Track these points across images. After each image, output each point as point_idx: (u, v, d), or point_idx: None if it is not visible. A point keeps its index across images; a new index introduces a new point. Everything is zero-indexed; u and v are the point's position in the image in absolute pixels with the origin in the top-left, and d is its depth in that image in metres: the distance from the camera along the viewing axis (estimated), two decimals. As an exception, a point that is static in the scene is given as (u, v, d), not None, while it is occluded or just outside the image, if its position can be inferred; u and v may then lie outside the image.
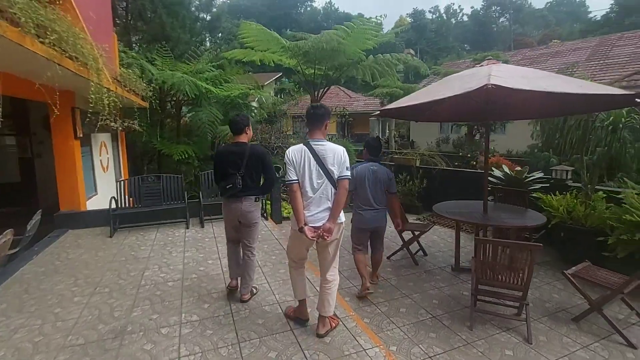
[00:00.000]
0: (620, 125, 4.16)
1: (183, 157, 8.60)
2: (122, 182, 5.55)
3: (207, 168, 7.85)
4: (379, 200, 3.54)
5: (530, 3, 56.35)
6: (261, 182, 3.04)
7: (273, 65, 8.69)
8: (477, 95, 3.49)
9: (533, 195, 4.61)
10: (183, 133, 10.20)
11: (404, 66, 8.96)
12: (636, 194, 3.64)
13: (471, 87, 2.69)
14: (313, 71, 7.67)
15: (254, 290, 3.18)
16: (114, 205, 5.14)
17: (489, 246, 2.72)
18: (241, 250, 3.14)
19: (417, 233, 4.36)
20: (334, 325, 2.62)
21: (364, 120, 23.51)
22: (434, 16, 58.78)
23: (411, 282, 3.82)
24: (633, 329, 2.88)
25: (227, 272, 3.43)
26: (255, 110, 16.09)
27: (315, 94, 8.51)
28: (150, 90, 6.85)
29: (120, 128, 5.00)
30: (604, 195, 4.22)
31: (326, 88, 8.48)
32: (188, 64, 9.64)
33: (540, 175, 5.27)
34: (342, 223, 2.47)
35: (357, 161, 4.42)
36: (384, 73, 8.38)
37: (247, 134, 2.96)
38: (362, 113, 22.15)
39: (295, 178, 2.39)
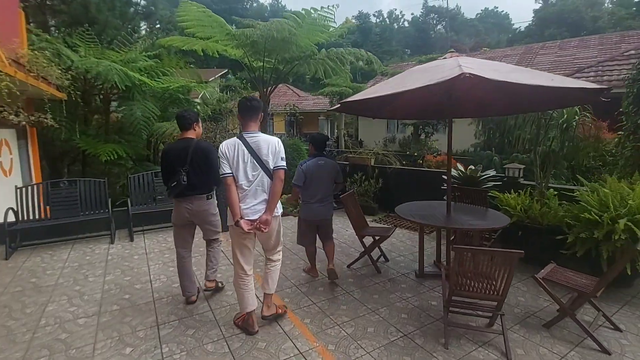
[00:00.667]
0: (574, 123, 4.25)
1: (112, 157, 7.50)
2: (25, 189, 4.49)
3: (143, 170, 6.97)
4: (327, 193, 3.59)
5: (463, 13, 60.94)
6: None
7: (217, 56, 7.90)
8: (442, 88, 3.26)
9: (489, 194, 4.57)
10: (114, 131, 8.99)
11: (350, 66, 8.76)
12: (590, 191, 3.68)
13: (444, 77, 2.38)
14: (262, 64, 7.05)
15: (220, 284, 3.24)
16: (11, 218, 4.11)
17: (469, 255, 2.44)
18: (205, 249, 3.20)
19: (377, 238, 4.04)
20: (280, 311, 2.78)
21: (313, 119, 23.24)
22: (378, 20, 60.80)
23: (376, 294, 3.47)
24: (602, 332, 2.81)
25: (161, 299, 2.78)
26: (199, 107, 14.94)
27: (265, 91, 7.91)
28: (68, 79, 5.77)
29: (26, 122, 4.01)
30: (555, 192, 4.27)
31: (274, 85, 7.92)
32: (118, 52, 8.45)
33: (494, 173, 5.29)
34: (279, 215, 2.53)
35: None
36: (336, 70, 8.05)
37: (195, 130, 2.92)
38: (311, 112, 21.84)
39: (229, 171, 2.39)
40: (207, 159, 2.85)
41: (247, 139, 2.42)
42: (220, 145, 2.44)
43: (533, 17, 39.17)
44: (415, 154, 13.17)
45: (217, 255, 3.20)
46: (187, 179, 2.74)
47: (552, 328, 2.86)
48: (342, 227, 5.61)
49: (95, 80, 6.97)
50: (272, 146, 2.42)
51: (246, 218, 2.37)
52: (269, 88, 7.86)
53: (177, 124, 2.96)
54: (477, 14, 60.94)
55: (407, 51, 56.31)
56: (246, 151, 2.39)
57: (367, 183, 6.29)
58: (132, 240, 4.67)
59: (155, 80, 8.38)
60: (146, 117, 7.53)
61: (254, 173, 2.39)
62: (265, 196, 2.42)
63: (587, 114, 4.35)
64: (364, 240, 4.12)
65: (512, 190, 4.50)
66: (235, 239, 2.51)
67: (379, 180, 6.26)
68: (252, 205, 2.40)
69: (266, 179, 2.42)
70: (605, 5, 37.42)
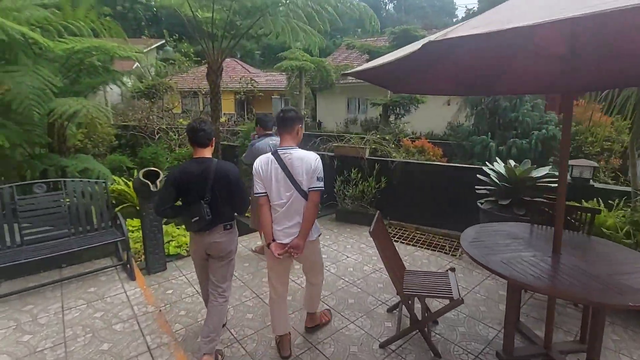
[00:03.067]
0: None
1: None
2: None
3: (45, 166, 5.33)
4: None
5: (412, -6, 60.92)
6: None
7: (150, 13, 5.65)
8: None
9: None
10: (1, 110, 6.43)
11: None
12: None
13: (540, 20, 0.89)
14: (211, 14, 5.05)
15: (220, 357, 2.31)
16: None
17: None
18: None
19: (426, 302, 2.52)
20: (323, 320, 2.66)
21: (265, 99, 21.03)
22: (328, -4, 58.34)
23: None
24: None
25: None
26: (127, 81, 12.05)
27: (216, 58, 5.85)
28: None
29: None
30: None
31: (227, 51, 5.93)
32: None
33: (552, 173, 3.69)
34: (315, 239, 2.33)
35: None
36: (306, 32, 6.24)
37: (212, 146, 2.34)
38: (266, 90, 19.55)
39: (263, 191, 2.22)
40: (232, 185, 2.30)
41: (281, 155, 2.21)
42: (255, 162, 2.25)
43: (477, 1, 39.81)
44: (386, 137, 11.95)
45: (218, 319, 2.28)
46: (210, 211, 2.20)
47: None
48: (346, 251, 4.08)
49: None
50: (306, 164, 2.16)
51: (278, 241, 2.22)
52: (221, 56, 5.84)
53: (189, 138, 2.34)
54: (423, -4, 61.35)
55: (358, 30, 55.22)
56: (279, 169, 2.19)
57: (364, 183, 4.77)
58: (132, 278, 2.79)
59: (55, 41, 5.93)
60: (39, 90, 5.19)
61: (287, 193, 2.20)
62: (299, 219, 2.21)
63: None
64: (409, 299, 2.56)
65: (582, 200, 3.29)
66: (270, 259, 2.34)
67: (380, 179, 4.77)
68: (284, 227, 2.23)
69: (301, 201, 2.20)
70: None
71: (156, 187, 3.16)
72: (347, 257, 3.90)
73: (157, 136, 9.23)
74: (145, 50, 16.80)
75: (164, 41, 22.21)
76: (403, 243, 4.34)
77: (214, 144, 2.38)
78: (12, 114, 5.73)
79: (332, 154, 5.24)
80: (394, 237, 4.50)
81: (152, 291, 3.08)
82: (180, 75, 16.76)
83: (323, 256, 3.04)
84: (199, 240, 2.30)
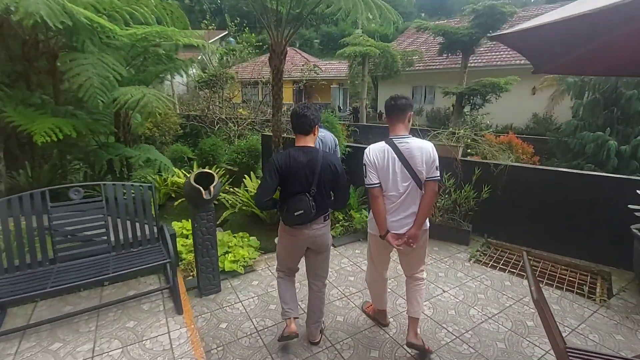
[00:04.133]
0: None
1: (53, 137, 5.05)
2: None
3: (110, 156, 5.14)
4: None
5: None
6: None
7: (215, 6, 5.16)
8: None
9: None
10: (75, 99, 6.54)
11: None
12: None
13: None
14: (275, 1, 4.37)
15: (323, 325, 2.47)
16: None
17: None
18: (308, 283, 2.38)
19: None
20: (428, 349, 2.25)
21: (324, 89, 20.29)
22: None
23: None
24: None
25: None
26: (192, 71, 12.08)
27: (280, 40, 5.16)
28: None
29: None
30: None
31: (292, 34, 5.20)
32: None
33: None
34: (426, 229, 2.24)
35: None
36: (382, 8, 5.24)
37: (315, 134, 2.17)
38: (325, 78, 18.71)
39: (377, 182, 2.11)
40: (339, 180, 2.13)
41: (398, 144, 2.09)
42: (366, 152, 2.14)
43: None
44: (459, 131, 10.62)
45: (322, 305, 2.35)
46: (314, 205, 2.03)
47: None
48: (439, 281, 3.23)
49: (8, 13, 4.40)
50: (426, 154, 2.06)
51: (393, 231, 2.13)
52: (285, 39, 5.12)
53: (292, 125, 2.13)
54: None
55: (422, 14, 51.67)
56: (397, 159, 2.08)
57: (458, 192, 3.78)
58: (179, 312, 2.41)
59: (120, 27, 5.76)
60: (103, 78, 4.98)
61: (404, 184, 2.10)
62: (414, 209, 2.12)
63: None
64: None
65: None
66: (375, 246, 2.34)
67: (482, 187, 3.75)
68: (400, 218, 2.14)
69: (417, 191, 2.11)
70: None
71: (209, 194, 2.56)
72: (443, 291, 2.99)
73: (216, 127, 9.03)
74: (210, 41, 17.03)
75: (227, 32, 22.45)
76: (512, 273, 3.30)
77: (317, 132, 2.19)
78: (84, 104, 5.67)
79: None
80: (497, 263, 3.48)
81: (203, 323, 2.50)
82: (241, 64, 16.68)
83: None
84: (297, 234, 2.16)
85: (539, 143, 8.16)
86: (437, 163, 2.08)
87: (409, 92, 17.01)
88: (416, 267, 2.30)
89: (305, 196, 2.03)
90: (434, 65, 15.65)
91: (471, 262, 3.45)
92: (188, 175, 3.91)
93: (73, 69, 5.08)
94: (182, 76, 8.93)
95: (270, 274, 3.23)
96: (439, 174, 2.10)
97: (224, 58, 17.94)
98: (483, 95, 11.13)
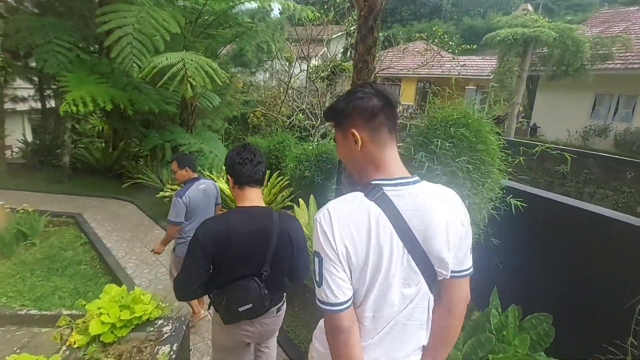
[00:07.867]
0: None
1: (80, 108, 4.28)
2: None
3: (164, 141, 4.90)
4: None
5: None
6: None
7: None
8: None
9: None
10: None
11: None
12: None
13: None
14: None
15: None
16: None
17: None
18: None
19: None
20: None
21: (457, 89, 16.31)
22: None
23: None
24: None
25: None
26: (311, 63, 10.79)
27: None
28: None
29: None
30: None
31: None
32: None
33: None
34: None
35: None
36: None
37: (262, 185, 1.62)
38: (460, 78, 14.98)
39: (347, 298, 0.94)
40: (302, 256, 1.57)
41: (396, 199, 0.93)
42: (322, 222, 0.92)
43: None
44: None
45: None
46: (268, 292, 1.46)
47: None
48: None
49: None
50: (455, 217, 0.95)
51: None
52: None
53: (235, 175, 1.52)
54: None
55: (605, 4, 40.41)
56: (394, 235, 0.91)
57: None
58: None
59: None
60: (147, 36, 3.66)
61: (407, 291, 0.96)
62: (422, 338, 1.03)
63: None
64: None
65: None
66: None
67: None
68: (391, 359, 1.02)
69: (427, 300, 1.01)
70: None
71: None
72: None
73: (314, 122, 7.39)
74: (333, 36, 15.51)
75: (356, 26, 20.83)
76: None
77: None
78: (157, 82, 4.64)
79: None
80: None
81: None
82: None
83: None
84: (240, 331, 1.57)
85: None
86: (471, 237, 0.98)
87: (590, 100, 11.99)
88: None
89: (254, 282, 1.45)
90: (641, 64, 10.43)
91: None
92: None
93: (109, 23, 3.81)
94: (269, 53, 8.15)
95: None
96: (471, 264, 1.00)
97: (346, 54, 16.33)
98: None
